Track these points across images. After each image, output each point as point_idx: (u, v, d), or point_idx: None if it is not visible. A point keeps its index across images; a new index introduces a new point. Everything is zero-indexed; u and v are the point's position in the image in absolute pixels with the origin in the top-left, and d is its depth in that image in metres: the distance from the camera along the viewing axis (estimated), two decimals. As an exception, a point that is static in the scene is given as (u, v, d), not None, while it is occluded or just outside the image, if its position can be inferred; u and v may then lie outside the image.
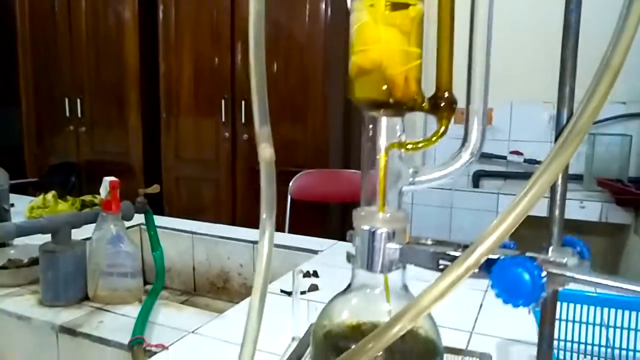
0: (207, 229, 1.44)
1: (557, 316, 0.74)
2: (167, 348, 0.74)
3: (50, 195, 1.60)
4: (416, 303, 0.28)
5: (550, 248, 0.29)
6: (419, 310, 0.28)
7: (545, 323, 0.29)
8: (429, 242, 0.31)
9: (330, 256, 1.22)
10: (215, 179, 2.80)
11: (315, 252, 1.25)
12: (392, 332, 0.28)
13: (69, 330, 0.81)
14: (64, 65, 3.14)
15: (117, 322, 0.85)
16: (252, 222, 1.61)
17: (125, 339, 0.77)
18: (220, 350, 0.73)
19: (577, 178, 2.45)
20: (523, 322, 0.78)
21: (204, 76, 2.74)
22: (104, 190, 0.89)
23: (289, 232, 2.03)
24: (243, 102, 2.64)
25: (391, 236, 0.31)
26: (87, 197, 1.64)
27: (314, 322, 0.59)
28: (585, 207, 2.17)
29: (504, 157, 2.68)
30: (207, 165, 2.82)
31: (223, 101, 2.67)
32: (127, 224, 0.98)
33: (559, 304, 0.74)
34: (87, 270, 0.93)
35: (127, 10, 2.89)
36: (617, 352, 0.71)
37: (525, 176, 2.56)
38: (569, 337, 0.72)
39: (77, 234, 0.95)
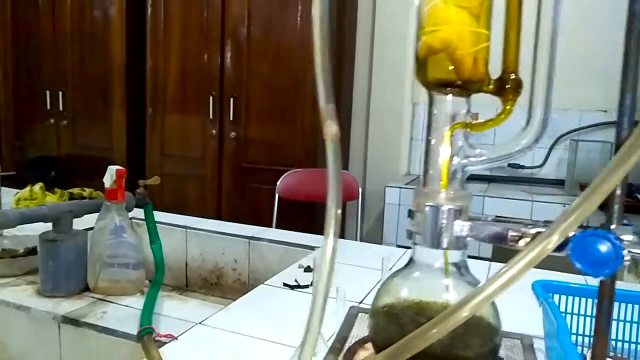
0: (201, 223, 1.43)
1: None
2: (176, 338, 0.73)
3: (37, 187, 1.56)
4: (486, 286, 0.27)
5: (612, 226, 0.30)
6: (491, 294, 0.27)
7: (605, 298, 0.30)
8: (489, 219, 0.32)
9: (328, 252, 1.22)
10: (201, 176, 2.77)
11: (312, 248, 1.25)
12: (460, 316, 0.28)
13: (72, 321, 0.80)
14: (46, 57, 3.06)
15: (121, 313, 0.83)
16: (238, 220, 1.60)
17: (131, 330, 0.75)
18: (229, 341, 0.73)
19: (559, 183, 2.52)
20: (523, 317, 0.79)
21: (192, 73, 2.71)
22: (109, 178, 0.87)
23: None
24: (231, 100, 2.62)
25: (458, 213, 0.31)
26: (76, 190, 1.60)
27: (353, 305, 0.59)
28: (567, 211, 2.22)
29: (488, 161, 2.72)
30: (193, 162, 2.78)
31: (211, 98, 2.65)
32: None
33: (560, 297, 0.75)
34: (88, 261, 0.91)
35: (114, 3, 2.84)
36: (619, 344, 0.73)
37: (509, 180, 2.62)
38: (574, 330, 0.74)
39: (77, 225, 0.93)
